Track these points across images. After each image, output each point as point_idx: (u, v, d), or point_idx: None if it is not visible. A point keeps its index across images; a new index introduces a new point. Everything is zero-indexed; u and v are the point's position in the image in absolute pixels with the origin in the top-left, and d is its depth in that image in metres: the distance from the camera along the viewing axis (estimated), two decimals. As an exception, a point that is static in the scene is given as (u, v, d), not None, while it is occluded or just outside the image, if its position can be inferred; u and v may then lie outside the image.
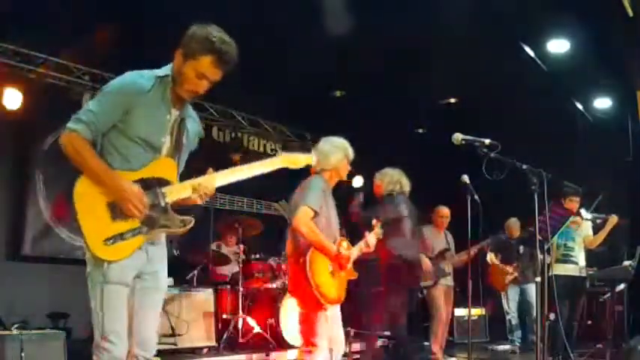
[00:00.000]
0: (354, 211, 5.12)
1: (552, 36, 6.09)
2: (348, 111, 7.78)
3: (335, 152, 3.70)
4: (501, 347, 7.58)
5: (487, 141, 3.39)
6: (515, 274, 7.32)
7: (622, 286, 6.08)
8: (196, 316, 5.65)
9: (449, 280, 6.26)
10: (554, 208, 4.42)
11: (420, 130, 9.12)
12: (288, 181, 3.68)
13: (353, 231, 4.18)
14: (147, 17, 5.60)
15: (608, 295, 6.22)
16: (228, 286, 6.19)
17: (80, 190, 2.30)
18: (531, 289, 7.15)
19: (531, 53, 6.27)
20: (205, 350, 5.61)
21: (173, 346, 5.32)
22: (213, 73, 2.39)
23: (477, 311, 8.11)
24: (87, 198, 2.29)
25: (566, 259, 5.81)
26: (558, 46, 6.17)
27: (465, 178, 5.06)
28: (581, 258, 5.91)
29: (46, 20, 5.53)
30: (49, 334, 4.73)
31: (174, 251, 6.16)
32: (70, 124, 2.31)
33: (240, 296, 6.02)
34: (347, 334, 5.05)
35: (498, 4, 5.24)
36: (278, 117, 8.60)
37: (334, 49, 6.27)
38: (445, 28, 5.58)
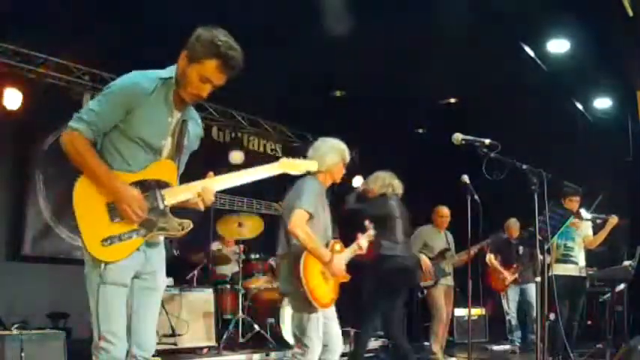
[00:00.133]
0: (344, 207, 5.14)
1: (552, 36, 6.08)
2: (348, 111, 7.78)
3: (331, 154, 3.67)
4: (501, 347, 7.59)
5: (487, 141, 3.39)
6: (515, 275, 7.31)
7: (622, 286, 6.08)
8: (196, 316, 5.65)
9: (449, 280, 6.27)
10: (554, 208, 4.43)
11: (420, 130, 9.12)
12: (289, 182, 3.67)
13: (345, 230, 4.18)
14: (147, 17, 5.59)
15: (608, 295, 6.22)
16: (228, 286, 6.20)
17: (80, 189, 2.29)
18: (531, 289, 7.15)
19: (531, 53, 6.27)
20: (205, 350, 5.61)
21: (173, 346, 5.32)
22: (217, 78, 2.36)
23: (477, 311, 8.11)
24: (86, 198, 2.28)
25: (566, 259, 5.81)
26: (558, 46, 6.17)
27: (465, 178, 5.06)
28: (581, 258, 5.91)
29: (46, 20, 5.53)
30: (49, 334, 4.73)
31: (175, 251, 6.17)
32: (71, 123, 2.30)
33: (240, 296, 6.03)
34: (347, 334, 5.07)
35: (498, 4, 5.24)
36: (278, 117, 8.60)
37: (334, 49, 6.27)
38: (445, 28, 5.57)
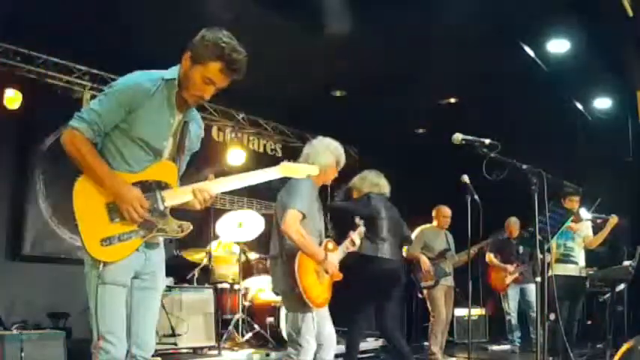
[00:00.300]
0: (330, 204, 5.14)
1: (552, 36, 6.08)
2: (348, 111, 7.78)
3: (326, 154, 3.66)
4: (501, 347, 7.59)
5: (487, 141, 3.39)
6: (516, 273, 7.32)
7: (622, 286, 6.08)
8: (196, 316, 5.65)
9: (449, 281, 6.26)
10: (554, 207, 4.42)
11: (420, 130, 9.12)
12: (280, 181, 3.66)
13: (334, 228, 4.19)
14: (147, 17, 5.59)
15: (608, 295, 6.22)
16: (228, 286, 6.20)
17: (79, 189, 2.29)
18: (531, 289, 7.15)
19: (531, 53, 6.26)
20: (205, 350, 5.61)
21: (173, 346, 5.32)
22: (220, 80, 2.36)
23: (477, 311, 8.12)
24: (86, 198, 2.28)
25: (566, 259, 5.82)
26: (558, 46, 6.16)
27: (465, 178, 5.07)
28: (581, 258, 5.92)
29: (46, 20, 5.53)
30: (49, 334, 4.74)
31: (175, 251, 6.17)
32: (72, 123, 2.30)
33: (240, 296, 6.03)
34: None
35: (498, 4, 5.23)
36: (278, 117, 8.60)
37: (334, 49, 6.27)
38: (445, 28, 5.57)
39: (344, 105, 7.92)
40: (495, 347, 7.68)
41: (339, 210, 5.13)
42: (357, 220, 4.03)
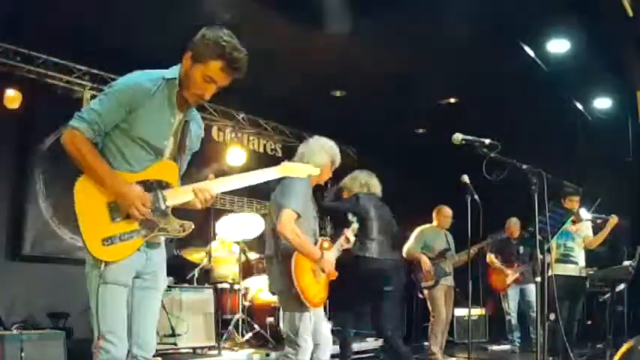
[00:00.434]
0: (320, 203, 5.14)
1: (552, 36, 6.08)
2: (348, 111, 7.78)
3: (321, 154, 3.65)
4: (501, 347, 7.59)
5: (487, 141, 3.39)
6: (517, 274, 7.32)
7: (622, 286, 6.09)
8: (196, 316, 5.65)
9: (449, 281, 6.26)
10: (553, 207, 4.42)
11: (420, 130, 9.12)
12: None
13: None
14: (147, 17, 5.59)
15: (608, 295, 6.22)
16: (228, 286, 6.20)
17: (80, 189, 2.28)
18: (531, 289, 7.15)
19: (531, 53, 6.26)
20: (205, 350, 5.61)
21: (173, 346, 5.32)
22: (221, 79, 2.36)
23: (477, 311, 8.12)
24: (87, 197, 2.28)
25: (566, 259, 5.82)
26: (558, 46, 6.16)
27: (465, 178, 5.07)
28: (581, 258, 5.92)
29: (46, 20, 5.53)
30: (49, 334, 4.74)
31: (175, 251, 6.17)
32: (72, 122, 2.29)
33: (240, 296, 6.03)
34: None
35: (498, 4, 5.23)
36: (278, 117, 8.60)
37: (334, 49, 6.27)
38: (445, 28, 5.57)
39: (344, 105, 7.92)
40: (495, 347, 7.68)
41: (328, 210, 5.14)
42: (350, 217, 4.04)
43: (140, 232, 2.32)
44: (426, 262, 6.11)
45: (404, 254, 6.36)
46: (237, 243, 6.39)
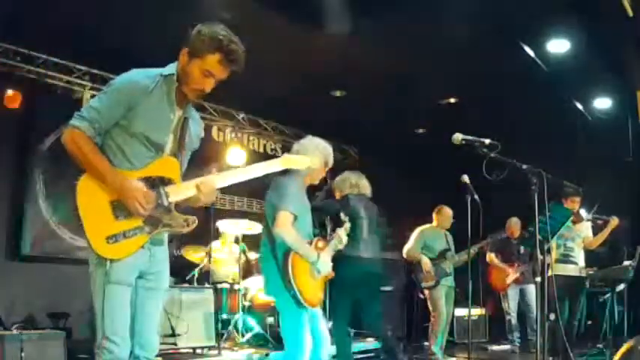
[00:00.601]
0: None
1: (552, 36, 6.08)
2: (348, 111, 7.78)
3: (314, 153, 3.64)
4: (501, 347, 7.59)
5: (487, 141, 3.39)
6: (517, 273, 7.32)
7: (622, 286, 6.08)
8: (196, 316, 5.64)
9: (449, 281, 6.26)
10: (554, 208, 4.43)
11: (420, 130, 9.12)
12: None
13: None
14: (147, 17, 5.59)
15: (608, 295, 6.22)
16: (228, 286, 6.20)
17: (82, 188, 2.29)
18: (531, 289, 7.15)
19: (531, 53, 6.26)
20: (205, 350, 5.61)
21: (173, 346, 5.32)
22: (219, 71, 2.38)
23: (477, 311, 8.12)
24: (89, 196, 2.28)
25: (566, 259, 5.81)
26: (558, 46, 6.16)
27: (465, 178, 5.07)
28: (580, 258, 5.92)
29: (46, 20, 5.53)
30: (49, 334, 4.74)
31: (175, 251, 6.17)
32: (72, 122, 2.31)
33: (240, 296, 6.03)
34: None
35: (498, 4, 5.23)
36: (278, 117, 8.60)
37: (334, 49, 6.27)
38: (445, 28, 5.57)
39: (344, 105, 7.92)
40: (495, 347, 7.68)
41: (319, 210, 5.13)
42: (343, 216, 4.04)
43: (144, 228, 2.32)
44: (426, 263, 6.11)
45: (404, 254, 6.36)
46: (237, 242, 6.40)
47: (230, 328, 5.92)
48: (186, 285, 6.04)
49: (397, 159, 8.77)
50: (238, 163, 7.75)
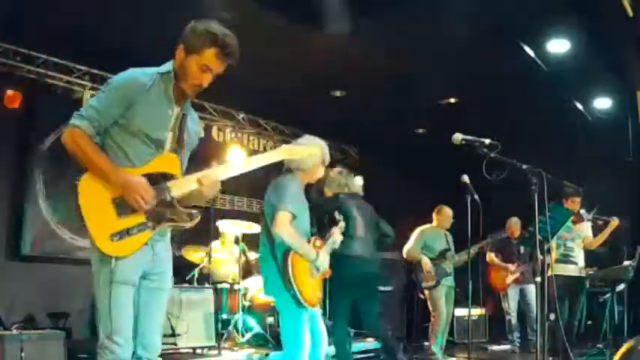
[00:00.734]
0: None
1: (552, 36, 6.08)
2: (348, 111, 7.78)
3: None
4: (501, 347, 7.59)
5: (487, 141, 3.39)
6: (517, 273, 7.32)
7: (622, 286, 6.08)
8: (196, 316, 5.64)
9: (450, 281, 6.26)
10: (554, 208, 4.43)
11: (420, 130, 9.12)
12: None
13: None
14: (147, 17, 5.59)
15: (608, 295, 6.22)
16: (228, 286, 6.20)
17: (84, 187, 2.29)
18: (531, 289, 7.16)
19: (531, 53, 6.26)
20: (205, 350, 5.60)
21: (173, 346, 5.32)
22: (217, 65, 2.40)
23: (477, 311, 8.12)
24: (91, 194, 2.28)
25: (565, 259, 5.82)
26: (558, 46, 6.16)
27: (465, 178, 5.07)
28: (580, 258, 5.92)
29: (46, 20, 5.53)
30: (49, 334, 4.73)
31: (175, 251, 6.17)
32: (72, 121, 2.32)
33: (239, 296, 6.03)
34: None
35: (498, 4, 5.23)
36: (278, 117, 8.60)
37: (334, 49, 6.26)
38: (445, 28, 5.57)
39: (344, 105, 7.92)
40: (495, 347, 7.68)
41: (311, 209, 5.13)
42: (337, 215, 4.05)
43: (147, 225, 2.32)
44: (426, 263, 6.11)
45: (404, 255, 6.36)
46: (237, 243, 6.39)
47: (230, 328, 5.92)
48: (187, 285, 6.04)
49: (397, 159, 8.76)
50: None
